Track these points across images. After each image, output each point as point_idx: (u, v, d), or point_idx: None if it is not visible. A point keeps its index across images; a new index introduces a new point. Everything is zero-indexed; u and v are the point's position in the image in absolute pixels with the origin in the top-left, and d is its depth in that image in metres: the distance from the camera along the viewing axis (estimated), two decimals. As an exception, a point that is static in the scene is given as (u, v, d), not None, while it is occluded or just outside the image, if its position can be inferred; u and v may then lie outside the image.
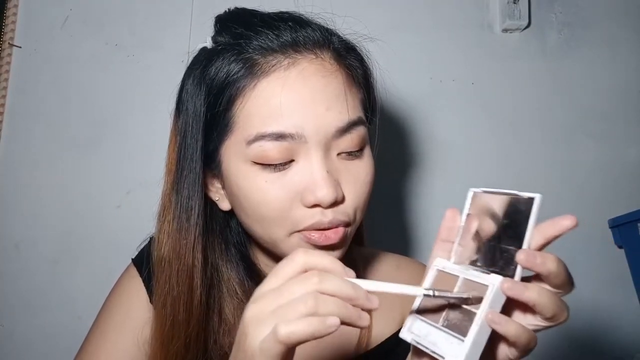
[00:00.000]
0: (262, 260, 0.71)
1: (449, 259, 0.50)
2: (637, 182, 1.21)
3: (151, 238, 0.75)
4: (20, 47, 1.13)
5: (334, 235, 0.59)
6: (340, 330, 0.44)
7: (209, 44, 0.66)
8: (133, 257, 0.76)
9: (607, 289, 1.16)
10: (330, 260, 0.46)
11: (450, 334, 0.45)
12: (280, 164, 0.58)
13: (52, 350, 1.04)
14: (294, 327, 0.42)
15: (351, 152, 0.61)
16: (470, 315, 0.45)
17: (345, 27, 0.68)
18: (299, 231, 0.59)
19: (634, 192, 1.20)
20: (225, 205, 0.66)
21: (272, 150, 0.57)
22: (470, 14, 1.23)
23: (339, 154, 0.60)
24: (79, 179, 1.10)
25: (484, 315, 0.44)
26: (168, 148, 0.69)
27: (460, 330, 0.45)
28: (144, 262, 0.72)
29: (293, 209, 0.59)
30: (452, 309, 0.47)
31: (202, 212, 0.64)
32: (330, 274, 0.44)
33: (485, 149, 1.19)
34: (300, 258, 0.46)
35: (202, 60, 0.64)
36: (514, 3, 1.20)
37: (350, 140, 0.60)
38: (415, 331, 0.48)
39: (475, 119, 1.19)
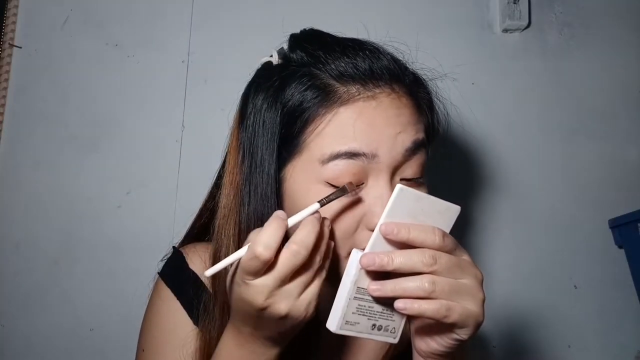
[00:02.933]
0: None
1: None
2: (637, 182, 1.21)
3: (174, 248, 0.74)
4: (20, 48, 1.13)
5: None
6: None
7: (275, 59, 0.67)
8: (159, 270, 0.74)
9: (607, 289, 1.16)
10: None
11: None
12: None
13: (52, 350, 1.04)
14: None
15: (413, 178, 0.63)
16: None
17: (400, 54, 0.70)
18: None
19: (634, 192, 1.19)
20: None
21: (346, 170, 0.59)
22: (470, 14, 1.23)
23: (401, 180, 0.62)
24: (79, 179, 1.10)
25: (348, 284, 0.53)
26: (227, 162, 0.68)
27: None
28: (171, 276, 0.71)
29: (357, 230, 0.61)
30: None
31: None
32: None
33: (485, 149, 1.19)
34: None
35: (275, 80, 0.64)
36: (514, 3, 1.20)
37: (414, 166, 0.63)
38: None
39: (475, 119, 1.19)
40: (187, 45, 1.16)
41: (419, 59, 0.72)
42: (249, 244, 0.52)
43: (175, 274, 0.71)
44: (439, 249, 0.52)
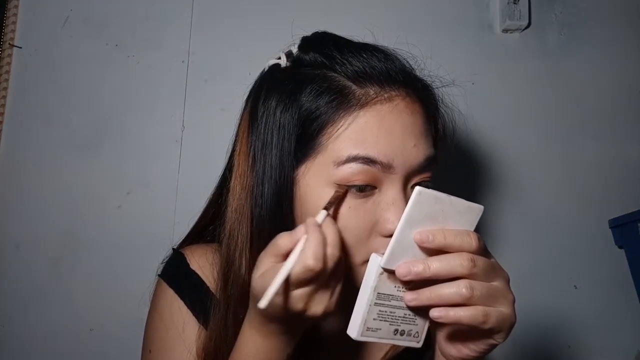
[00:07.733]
0: None
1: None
2: (637, 182, 1.21)
3: (174, 250, 0.74)
4: (20, 48, 1.13)
5: None
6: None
7: (283, 61, 0.67)
8: (159, 272, 0.73)
9: (607, 289, 1.16)
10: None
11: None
12: (363, 190, 0.59)
13: (52, 350, 1.04)
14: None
15: (422, 182, 0.63)
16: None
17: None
18: None
19: (634, 192, 1.19)
20: None
21: (360, 173, 0.59)
22: (470, 14, 1.23)
23: (411, 186, 0.62)
24: (80, 179, 1.10)
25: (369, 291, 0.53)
26: (236, 166, 0.67)
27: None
28: (173, 277, 0.71)
29: (370, 237, 0.60)
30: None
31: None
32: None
33: (484, 149, 1.19)
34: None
35: (288, 82, 0.64)
36: (514, 3, 1.20)
37: (424, 175, 0.63)
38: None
39: (475, 119, 1.19)
40: (187, 45, 1.16)
41: (419, 59, 0.72)
42: (296, 255, 0.50)
43: (177, 274, 0.71)
44: (475, 252, 0.51)
